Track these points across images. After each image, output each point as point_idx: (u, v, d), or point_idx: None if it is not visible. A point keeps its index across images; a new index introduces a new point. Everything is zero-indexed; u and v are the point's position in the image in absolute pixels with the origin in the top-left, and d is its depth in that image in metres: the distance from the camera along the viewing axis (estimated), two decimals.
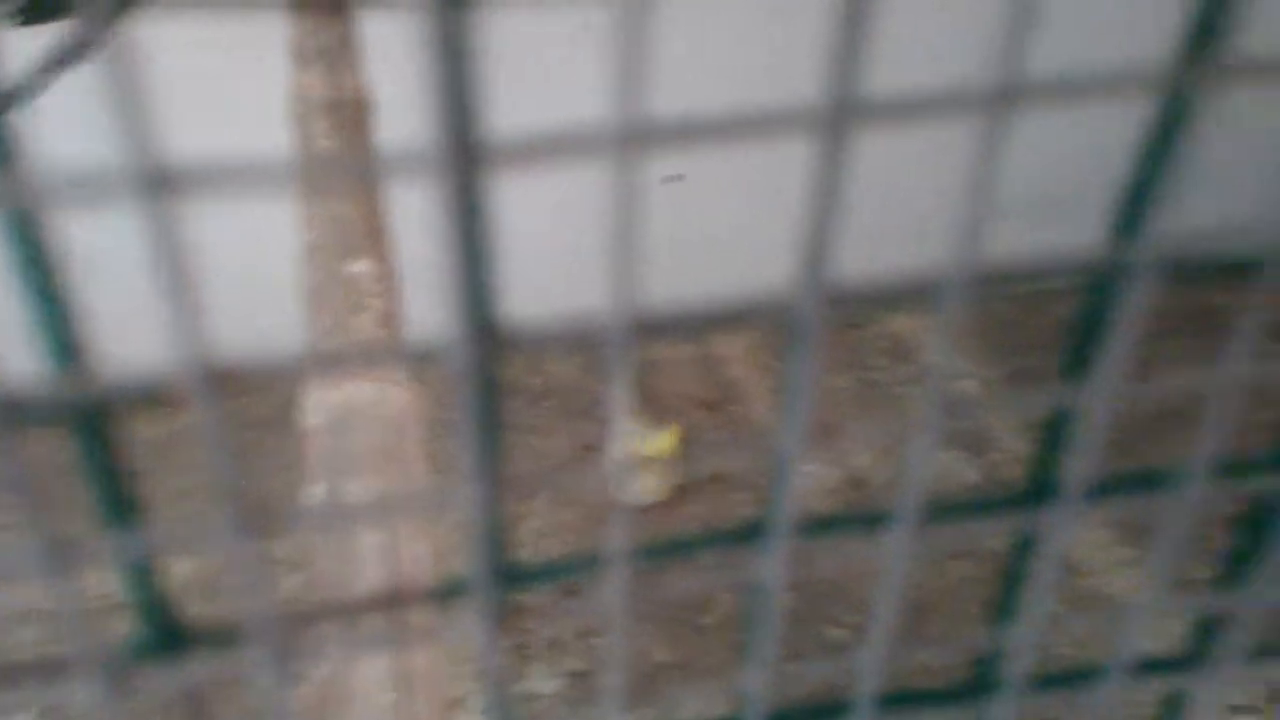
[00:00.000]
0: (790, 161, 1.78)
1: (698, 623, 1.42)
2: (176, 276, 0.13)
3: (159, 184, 0.12)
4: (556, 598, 1.41)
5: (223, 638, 0.19)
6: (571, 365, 1.90)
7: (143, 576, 0.19)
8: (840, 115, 0.14)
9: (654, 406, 1.78)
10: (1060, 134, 1.87)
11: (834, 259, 0.16)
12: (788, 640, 1.40)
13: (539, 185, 1.73)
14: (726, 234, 1.96)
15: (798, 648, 1.39)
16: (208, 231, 1.73)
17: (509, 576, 0.18)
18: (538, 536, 1.55)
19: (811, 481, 1.62)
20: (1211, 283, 2.01)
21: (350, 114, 0.67)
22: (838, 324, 1.96)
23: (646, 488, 1.54)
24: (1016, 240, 2.04)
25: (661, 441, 1.54)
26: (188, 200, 0.14)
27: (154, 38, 1.57)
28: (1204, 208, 1.99)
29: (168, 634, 0.20)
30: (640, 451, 1.53)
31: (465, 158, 0.13)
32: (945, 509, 0.21)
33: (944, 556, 1.48)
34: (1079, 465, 0.20)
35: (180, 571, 1.51)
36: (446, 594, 0.19)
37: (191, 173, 0.12)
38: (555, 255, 1.80)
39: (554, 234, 1.81)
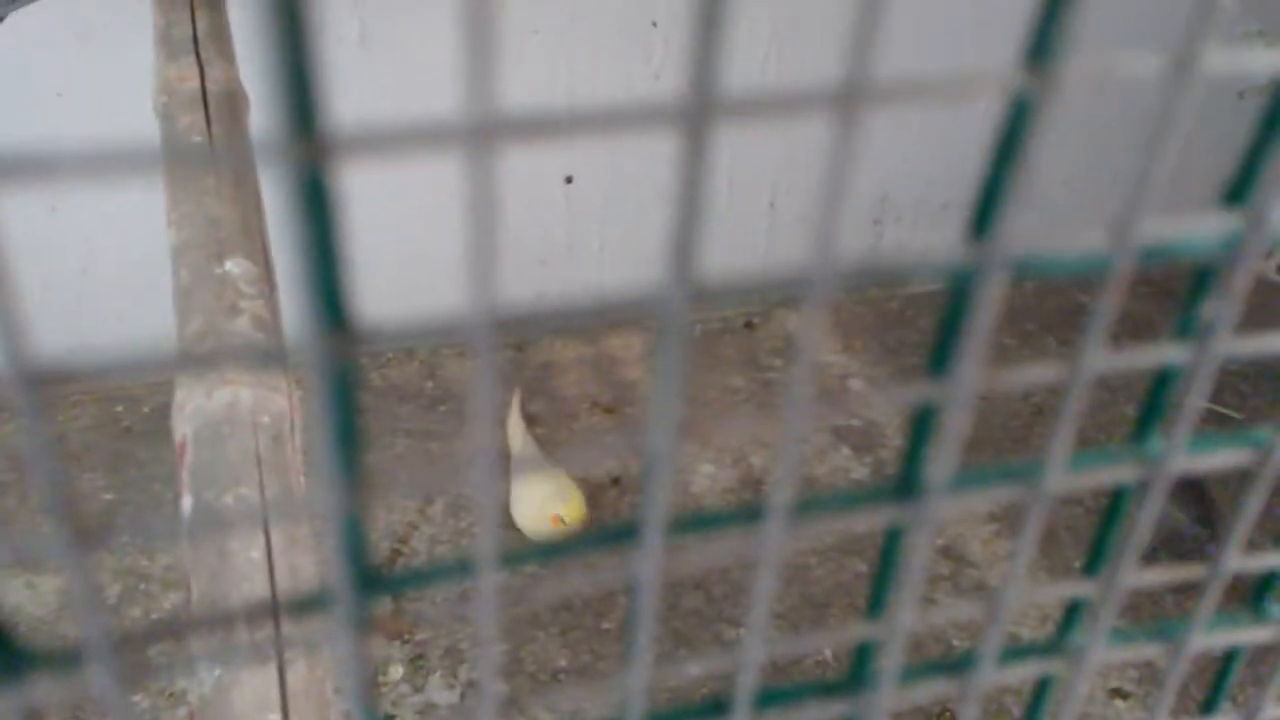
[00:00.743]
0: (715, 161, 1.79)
1: (598, 627, 1.42)
2: None
3: None
4: (451, 607, 1.38)
5: (68, 657, 0.18)
6: (467, 369, 1.87)
7: None
8: (700, 110, 0.14)
9: (551, 410, 1.77)
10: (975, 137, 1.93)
11: (700, 253, 0.16)
12: (687, 640, 1.41)
13: (432, 181, 1.70)
14: (636, 235, 1.96)
15: (697, 648, 1.40)
16: (78, 231, 1.65)
17: (372, 584, 0.17)
18: (431, 544, 1.53)
19: (708, 482, 1.64)
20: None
21: (221, 107, 0.64)
22: (730, 325, 1.99)
23: (571, 514, 1.45)
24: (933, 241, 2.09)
25: (572, 507, 1.45)
26: (22, 189, 0.13)
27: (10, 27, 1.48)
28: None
29: (6, 653, 0.19)
30: (554, 512, 1.44)
31: (309, 145, 0.13)
32: (819, 501, 0.21)
33: (839, 553, 1.52)
34: (943, 457, 0.21)
35: (50, 587, 1.42)
36: (308, 605, 0.18)
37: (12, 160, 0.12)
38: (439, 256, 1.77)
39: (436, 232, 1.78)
